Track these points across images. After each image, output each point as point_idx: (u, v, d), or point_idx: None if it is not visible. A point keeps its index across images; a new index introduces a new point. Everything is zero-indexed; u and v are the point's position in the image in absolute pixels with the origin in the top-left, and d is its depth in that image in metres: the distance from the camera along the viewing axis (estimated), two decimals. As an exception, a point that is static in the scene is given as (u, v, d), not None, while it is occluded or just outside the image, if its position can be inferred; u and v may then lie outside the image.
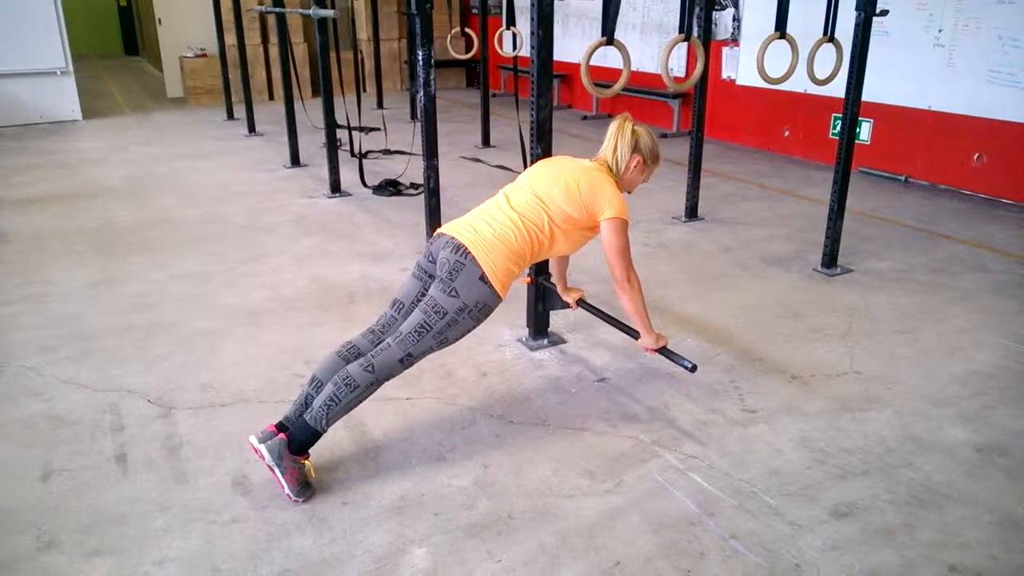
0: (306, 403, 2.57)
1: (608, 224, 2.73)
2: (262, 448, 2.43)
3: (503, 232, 2.63)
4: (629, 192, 2.95)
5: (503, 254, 2.60)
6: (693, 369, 2.92)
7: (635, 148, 2.85)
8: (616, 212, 2.72)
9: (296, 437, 2.49)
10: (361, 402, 2.55)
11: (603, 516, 2.42)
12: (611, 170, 2.85)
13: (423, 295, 2.65)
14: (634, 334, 3.02)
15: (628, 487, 2.56)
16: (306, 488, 2.50)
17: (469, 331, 2.63)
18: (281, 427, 2.55)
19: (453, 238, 2.61)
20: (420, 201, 4.94)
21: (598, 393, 3.18)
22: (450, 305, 2.53)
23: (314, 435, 2.51)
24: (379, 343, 2.63)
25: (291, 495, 2.46)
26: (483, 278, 2.55)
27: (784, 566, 2.20)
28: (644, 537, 2.32)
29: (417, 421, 2.96)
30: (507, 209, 2.71)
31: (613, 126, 2.87)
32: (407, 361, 2.56)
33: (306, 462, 2.52)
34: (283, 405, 3.03)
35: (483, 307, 2.58)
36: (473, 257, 2.55)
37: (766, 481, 2.58)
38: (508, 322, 3.73)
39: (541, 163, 2.96)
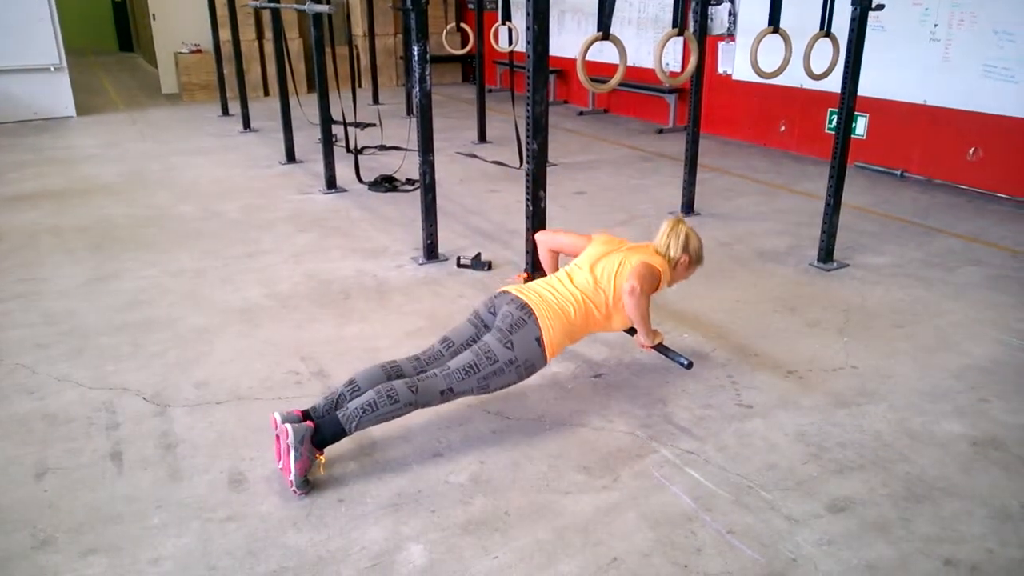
0: (338, 402, 2.64)
1: (647, 265, 2.94)
2: (288, 428, 2.45)
3: (564, 305, 2.86)
4: (669, 287, 3.19)
5: (561, 324, 2.82)
6: (689, 366, 2.93)
7: (685, 248, 3.10)
8: (657, 264, 2.98)
9: (323, 430, 2.53)
10: (390, 419, 2.62)
11: (600, 512, 2.42)
12: (665, 257, 3.09)
13: (474, 340, 2.84)
14: (631, 330, 3.03)
15: (625, 483, 2.56)
16: (306, 483, 2.50)
17: (510, 384, 2.81)
18: (307, 415, 2.59)
19: (518, 297, 2.84)
20: (416, 197, 4.93)
21: (595, 389, 3.18)
22: (502, 355, 2.70)
23: (339, 434, 2.55)
24: (421, 372, 2.76)
25: (293, 483, 2.46)
26: (539, 340, 2.76)
27: (781, 561, 2.20)
28: (641, 533, 2.32)
29: (414, 417, 2.94)
30: (570, 285, 2.95)
31: (667, 225, 3.14)
32: (447, 395, 2.68)
33: (320, 458, 2.53)
34: (279, 402, 3.03)
35: (530, 366, 2.78)
36: (536, 319, 2.77)
37: (762, 476, 2.58)
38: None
39: (600, 241, 3.14)
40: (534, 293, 2.87)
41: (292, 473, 2.44)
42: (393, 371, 2.73)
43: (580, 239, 3.20)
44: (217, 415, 2.98)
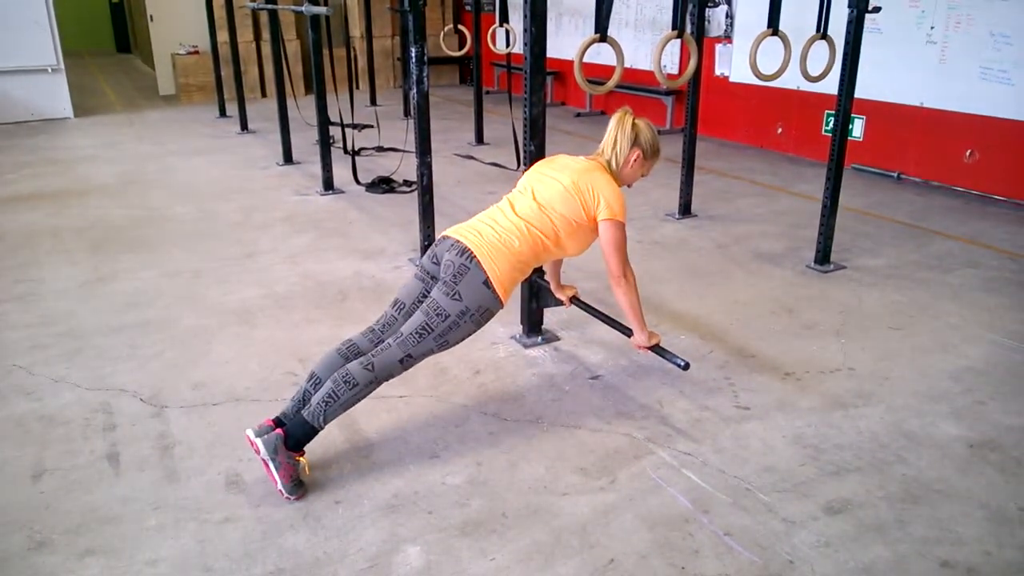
0: (304, 400, 2.57)
1: (606, 224, 2.73)
2: (258, 442, 2.43)
3: (508, 238, 2.65)
4: (628, 186, 2.95)
5: (507, 259, 2.61)
6: (686, 367, 2.92)
7: (635, 142, 2.84)
8: (613, 213, 2.73)
9: (293, 433, 2.49)
10: (359, 401, 2.55)
11: (597, 513, 2.42)
12: (609, 166, 2.85)
13: (425, 296, 2.66)
14: (627, 332, 3.02)
15: (622, 484, 2.56)
16: (299, 486, 2.49)
17: (470, 335, 2.64)
18: (279, 422, 2.55)
19: (458, 241, 2.63)
20: (413, 198, 4.92)
21: (592, 390, 3.18)
22: (452, 308, 2.55)
23: (311, 431, 2.51)
24: (379, 342, 2.64)
25: (283, 491, 2.45)
26: (487, 283, 2.56)
27: (778, 563, 2.21)
28: (638, 534, 2.32)
29: (410, 419, 2.95)
30: (511, 215, 2.73)
31: (613, 119, 2.87)
32: (407, 362, 2.57)
33: (301, 459, 2.51)
34: (276, 403, 3.02)
35: (485, 311, 2.60)
36: (478, 261, 2.57)
37: (760, 478, 2.58)
38: (502, 320, 3.71)
39: (538, 165, 2.95)
40: (473, 232, 2.66)
41: (278, 483, 2.44)
42: (350, 351, 2.63)
43: None
44: (214, 416, 2.98)
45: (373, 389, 2.55)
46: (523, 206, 2.75)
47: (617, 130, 2.85)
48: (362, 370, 2.51)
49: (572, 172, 2.78)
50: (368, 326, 2.73)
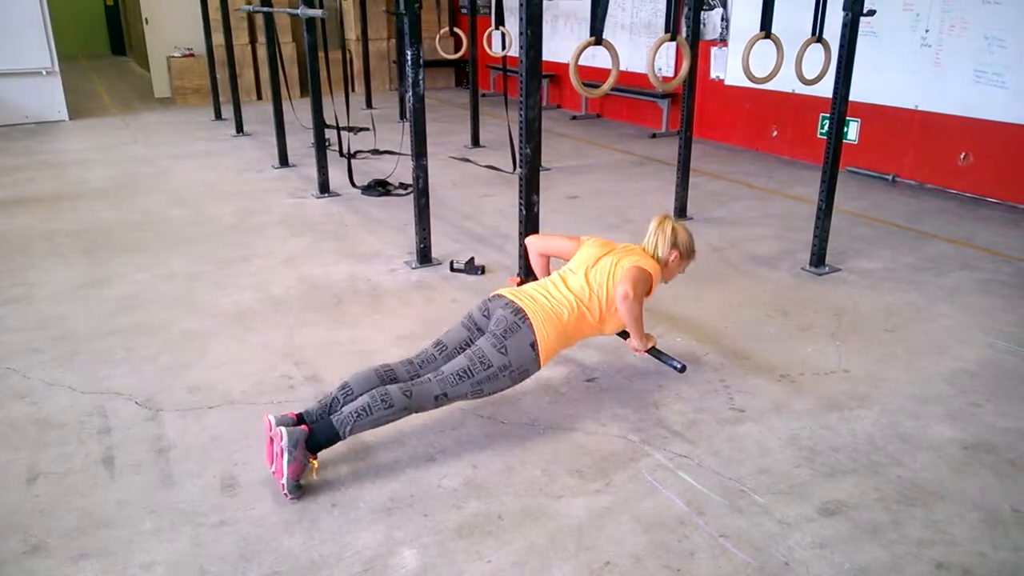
0: (331, 407, 2.63)
1: (638, 269, 2.94)
2: (283, 430, 2.44)
3: (559, 309, 2.85)
4: (665, 283, 3.22)
5: (556, 329, 2.81)
6: (682, 369, 2.93)
7: (674, 244, 3.09)
8: (649, 268, 2.97)
9: (318, 434, 2.52)
10: (385, 423, 2.62)
11: (593, 516, 2.42)
12: (654, 257, 3.09)
13: (468, 344, 2.82)
14: (624, 334, 3.03)
15: (618, 487, 2.56)
16: (299, 487, 2.49)
17: (503, 389, 2.80)
18: (301, 419, 2.59)
19: (513, 301, 2.83)
20: (409, 201, 4.93)
21: (587, 393, 3.18)
22: (496, 360, 2.69)
23: (334, 438, 2.54)
24: (414, 376, 2.75)
25: (285, 487, 2.45)
26: (533, 344, 2.75)
27: (773, 564, 2.21)
28: (634, 536, 2.33)
29: (406, 422, 2.94)
30: (564, 289, 2.94)
31: (654, 224, 3.12)
32: (441, 400, 2.67)
33: (314, 462, 2.52)
34: (272, 406, 3.03)
35: (523, 371, 2.77)
36: (530, 323, 2.76)
37: (755, 480, 2.59)
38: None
39: (591, 244, 3.13)
40: (528, 297, 2.86)
41: (284, 476, 2.44)
42: (387, 375, 2.73)
43: (571, 242, 3.20)
44: (209, 419, 2.97)
45: (402, 416, 2.63)
46: (574, 283, 2.96)
47: (658, 234, 3.09)
48: (401, 395, 2.59)
49: (622, 253, 3.03)
50: (407, 358, 2.84)
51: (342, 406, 2.62)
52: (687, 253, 3.16)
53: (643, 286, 2.96)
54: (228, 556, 2.25)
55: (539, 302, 2.84)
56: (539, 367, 2.81)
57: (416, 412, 2.66)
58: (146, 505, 2.47)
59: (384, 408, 2.56)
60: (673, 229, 3.09)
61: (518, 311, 2.78)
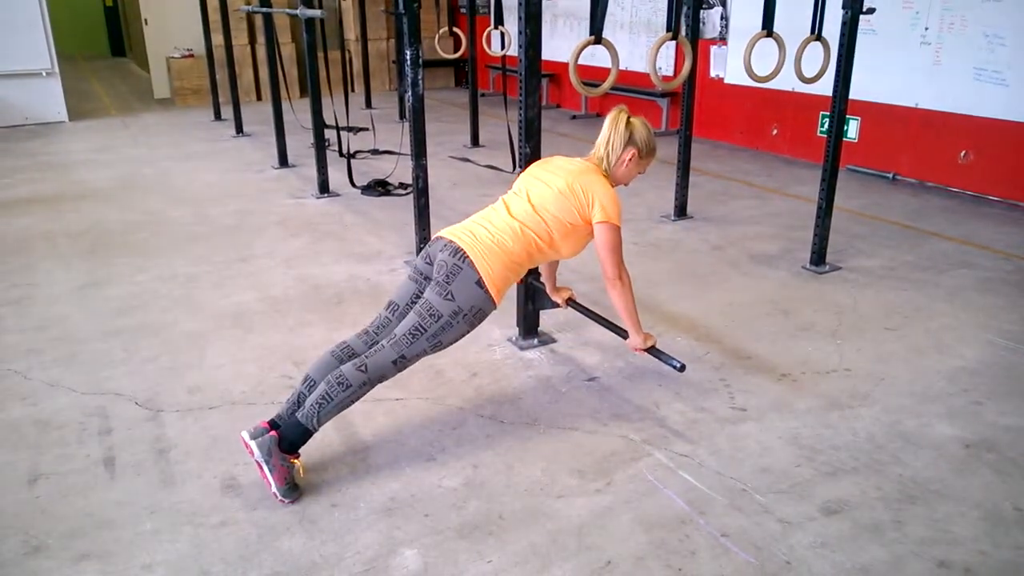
0: (298, 402, 2.56)
1: (601, 227, 2.74)
2: (253, 444, 2.43)
3: (501, 238, 2.64)
4: (625, 185, 2.95)
5: (501, 260, 2.61)
6: (682, 369, 2.92)
7: (629, 141, 2.82)
8: (608, 216, 2.72)
9: (287, 435, 2.48)
10: (353, 402, 2.55)
11: (594, 515, 2.42)
12: (602, 166, 2.84)
13: (418, 297, 2.65)
14: (623, 334, 3.03)
15: (618, 486, 2.56)
16: (294, 489, 2.48)
17: (463, 335, 2.63)
18: (274, 424, 2.54)
19: (452, 242, 2.62)
20: (409, 201, 4.93)
21: (588, 392, 3.18)
22: (445, 308, 2.54)
23: (305, 433, 2.51)
24: (373, 344, 2.63)
25: (278, 494, 2.44)
26: (480, 283, 2.55)
27: (775, 564, 2.21)
28: (635, 536, 2.32)
29: (407, 422, 2.95)
30: (506, 216, 2.72)
31: (608, 118, 2.85)
32: (400, 363, 2.56)
33: (296, 461, 2.50)
34: (272, 407, 3.02)
35: (478, 312, 2.59)
36: (471, 261, 2.56)
37: (756, 479, 2.59)
38: (498, 322, 3.72)
39: (533, 167, 2.95)
40: (467, 233, 2.65)
41: (273, 485, 2.43)
42: (344, 353, 2.63)
43: None
44: (210, 420, 2.97)
45: (367, 391, 2.55)
46: (518, 207, 2.75)
47: (611, 129, 2.82)
48: (356, 372, 2.50)
49: (567, 174, 2.78)
50: (363, 328, 2.73)
51: (307, 399, 2.54)
52: (647, 150, 2.86)
53: (618, 243, 2.75)
54: (229, 557, 2.25)
55: (479, 237, 2.63)
56: (494, 304, 2.62)
57: (379, 383, 2.56)
58: (147, 506, 2.47)
59: (343, 390, 2.48)
60: (628, 123, 2.81)
61: (457, 251, 2.58)
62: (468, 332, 2.64)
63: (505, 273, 2.63)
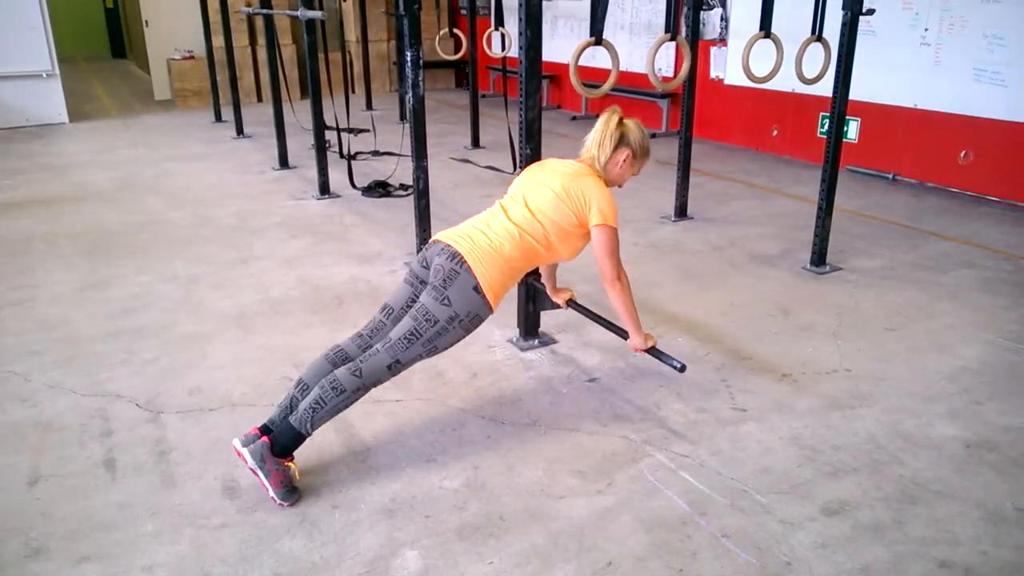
0: (291, 406, 2.55)
1: (598, 229, 2.73)
2: (244, 451, 2.42)
3: (499, 243, 2.62)
4: (620, 186, 2.94)
5: (498, 265, 2.59)
6: (682, 369, 2.92)
7: (622, 142, 2.81)
8: (605, 218, 2.72)
9: (280, 439, 2.48)
10: (347, 407, 2.54)
11: (595, 516, 2.42)
12: (595, 167, 2.83)
13: (414, 301, 2.63)
14: (623, 334, 3.02)
15: (619, 487, 2.56)
16: (292, 492, 2.48)
17: (459, 340, 2.62)
18: (265, 430, 2.54)
19: (448, 246, 2.60)
20: (409, 202, 4.93)
21: (589, 393, 3.18)
22: (441, 313, 2.52)
23: (298, 437, 2.50)
24: (368, 348, 2.62)
25: (276, 498, 2.44)
26: (477, 288, 2.54)
27: (776, 564, 2.21)
28: (636, 537, 2.32)
29: (407, 423, 2.95)
30: (505, 221, 2.70)
31: (600, 119, 2.84)
32: (395, 368, 2.55)
33: (291, 464, 2.49)
34: (272, 408, 3.01)
35: (474, 317, 2.58)
36: (468, 266, 2.54)
37: (757, 479, 2.59)
38: (498, 323, 3.72)
39: (529, 171, 2.94)
40: (465, 238, 2.63)
41: (270, 490, 2.43)
42: (338, 357, 2.62)
43: None
44: (210, 421, 2.97)
45: (361, 396, 2.54)
46: (515, 212, 2.73)
47: (603, 129, 2.81)
48: (350, 376, 2.49)
49: (562, 177, 2.77)
50: (357, 332, 2.72)
51: (300, 403, 2.53)
52: (640, 151, 2.85)
53: (615, 245, 2.75)
54: (229, 558, 2.25)
55: (476, 241, 2.61)
56: (491, 310, 2.60)
57: (373, 387, 2.54)
58: (147, 507, 2.47)
59: (337, 395, 2.47)
60: (620, 124, 2.80)
61: (454, 255, 2.55)
62: (464, 337, 2.62)
63: (502, 278, 2.62)
